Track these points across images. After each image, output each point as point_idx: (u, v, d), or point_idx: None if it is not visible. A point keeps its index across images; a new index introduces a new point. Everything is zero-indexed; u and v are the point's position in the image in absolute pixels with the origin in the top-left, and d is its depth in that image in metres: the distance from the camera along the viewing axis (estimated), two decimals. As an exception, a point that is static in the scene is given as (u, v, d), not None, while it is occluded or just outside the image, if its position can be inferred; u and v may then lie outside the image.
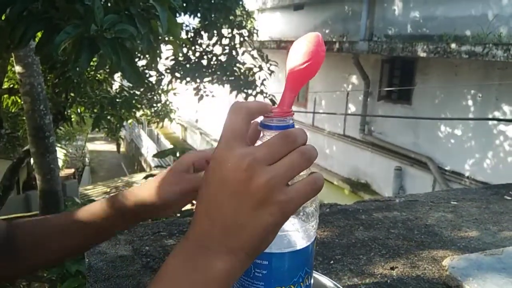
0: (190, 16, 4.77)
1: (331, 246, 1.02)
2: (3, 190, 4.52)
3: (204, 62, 5.36)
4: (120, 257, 0.91)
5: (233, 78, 5.30)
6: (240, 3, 5.46)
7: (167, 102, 6.64)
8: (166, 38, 1.79)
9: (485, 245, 1.05)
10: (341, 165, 8.82)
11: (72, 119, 5.36)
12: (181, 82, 5.38)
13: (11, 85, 5.23)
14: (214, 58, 5.39)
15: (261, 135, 0.43)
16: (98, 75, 5.05)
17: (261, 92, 5.43)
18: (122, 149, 19.80)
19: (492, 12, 5.52)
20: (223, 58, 5.39)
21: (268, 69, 5.53)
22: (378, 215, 1.23)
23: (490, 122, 5.94)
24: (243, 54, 5.62)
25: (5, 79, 5.04)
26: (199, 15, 4.80)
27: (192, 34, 5.42)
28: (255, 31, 6.21)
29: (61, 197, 4.04)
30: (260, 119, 0.42)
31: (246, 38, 5.67)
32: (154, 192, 0.59)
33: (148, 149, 15.80)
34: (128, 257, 0.92)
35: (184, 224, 1.10)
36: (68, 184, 8.75)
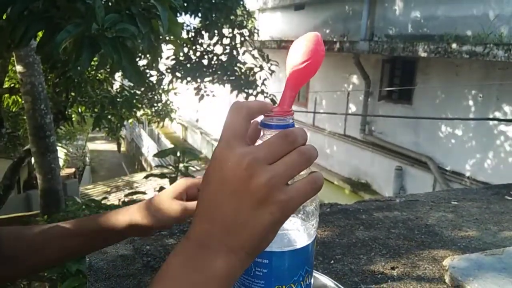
0: (191, 15, 4.77)
1: (332, 245, 1.02)
2: (3, 189, 4.52)
3: (205, 61, 5.36)
4: (121, 256, 0.91)
5: (233, 77, 5.30)
6: (241, 3, 5.45)
7: (168, 102, 6.64)
8: (167, 38, 1.79)
9: (486, 245, 1.05)
10: (342, 165, 8.81)
11: (73, 119, 5.36)
12: (181, 82, 5.38)
13: (12, 85, 5.24)
14: (215, 57, 5.39)
15: (261, 134, 0.43)
16: (99, 75, 5.05)
17: (262, 91, 5.43)
18: (123, 148, 19.81)
19: (493, 12, 5.51)
20: (223, 58, 5.39)
21: (269, 68, 5.53)
22: (379, 215, 1.23)
23: (491, 122, 5.93)
24: (243, 54, 5.62)
25: (6, 79, 5.05)
26: (200, 14, 4.80)
27: (193, 34, 5.42)
28: (255, 31, 6.21)
29: (62, 196, 4.05)
30: (260, 118, 0.42)
31: (246, 37, 5.66)
32: (146, 216, 0.64)
33: (149, 148, 15.82)
34: (128, 256, 0.92)
35: (185, 223, 1.10)
36: (68, 184, 8.76)
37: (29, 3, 1.30)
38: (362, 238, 1.07)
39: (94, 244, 0.70)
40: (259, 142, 0.43)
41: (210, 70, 5.32)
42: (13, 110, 5.77)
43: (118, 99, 4.76)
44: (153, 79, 5.57)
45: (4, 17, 1.36)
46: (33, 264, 0.66)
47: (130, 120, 6.06)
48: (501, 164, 5.89)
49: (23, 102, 3.98)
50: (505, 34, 5.27)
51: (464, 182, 6.33)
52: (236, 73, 5.32)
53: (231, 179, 0.35)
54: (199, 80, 5.30)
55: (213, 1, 4.84)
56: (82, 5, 1.28)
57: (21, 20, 1.31)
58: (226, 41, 5.40)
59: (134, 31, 1.31)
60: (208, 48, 5.43)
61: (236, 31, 5.44)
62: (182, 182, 0.67)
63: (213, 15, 4.87)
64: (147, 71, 5.28)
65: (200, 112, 15.83)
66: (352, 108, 8.50)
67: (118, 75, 5.21)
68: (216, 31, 5.09)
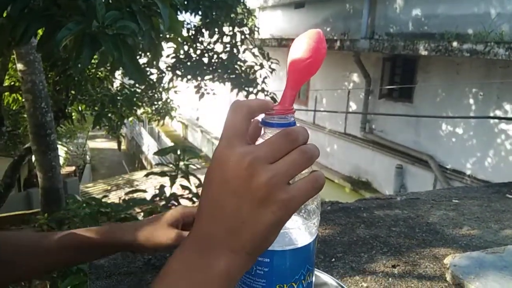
0: (191, 14, 4.76)
1: (333, 244, 1.02)
2: (4, 187, 4.53)
3: (205, 60, 5.36)
4: (122, 254, 0.91)
5: (234, 76, 5.29)
6: (241, 1, 5.44)
7: (168, 100, 6.64)
8: (168, 36, 1.79)
9: (487, 243, 1.05)
10: (342, 163, 8.81)
11: (73, 117, 5.36)
12: (182, 80, 5.37)
13: (12, 83, 5.23)
14: (215, 56, 5.39)
15: (262, 132, 0.43)
16: (99, 73, 5.05)
17: (262, 90, 5.42)
18: (123, 147, 19.81)
19: (494, 10, 5.50)
20: (224, 56, 5.38)
21: (269, 67, 5.52)
22: (380, 213, 1.23)
23: (492, 121, 5.93)
24: (244, 52, 5.62)
25: (6, 77, 5.04)
26: (200, 12, 4.79)
27: (193, 32, 5.41)
28: (256, 29, 6.20)
29: (63, 194, 4.05)
30: (261, 116, 0.42)
31: (247, 36, 5.66)
32: (140, 239, 0.67)
33: (149, 147, 15.82)
34: (129, 254, 0.92)
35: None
36: (69, 182, 8.76)
37: (30, 1, 1.30)
38: (363, 236, 1.07)
39: (89, 257, 0.74)
40: (260, 140, 0.42)
41: (211, 68, 5.31)
42: (14, 108, 5.77)
43: (118, 97, 4.76)
44: (154, 77, 5.56)
45: (5, 15, 1.35)
46: (30, 270, 0.67)
47: (131, 118, 6.05)
48: (501, 162, 5.89)
49: (23, 100, 3.98)
50: (506, 32, 5.27)
51: (464, 180, 6.33)
52: (237, 71, 5.32)
53: (232, 178, 0.35)
54: (199, 78, 5.29)
55: (214, -1, 4.84)
56: (83, 2, 1.28)
57: (22, 18, 1.31)
58: (226, 39, 5.39)
59: (135, 29, 1.31)
60: (208, 46, 5.43)
61: (236, 29, 5.44)
62: (178, 210, 0.70)
63: (214, 13, 4.86)
64: (148, 69, 5.28)
65: (200, 110, 15.83)
66: (353, 106, 8.50)
67: (118, 73, 5.20)
68: (216, 29, 5.08)
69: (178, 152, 2.15)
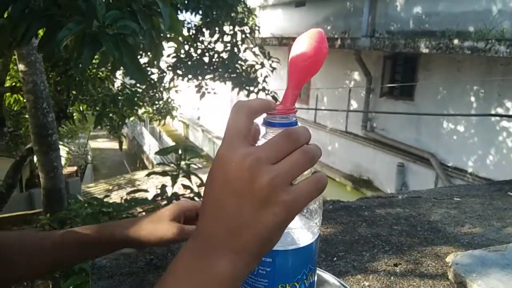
0: (191, 13, 4.77)
1: (334, 243, 1.02)
2: (6, 188, 4.53)
3: (206, 59, 5.36)
4: (124, 254, 0.91)
5: (234, 75, 5.29)
6: (242, 0, 5.44)
7: (169, 100, 6.64)
8: (168, 35, 1.79)
9: (489, 241, 1.05)
10: (344, 162, 8.81)
11: (74, 117, 5.37)
12: (183, 80, 5.37)
13: (14, 83, 5.24)
14: (216, 55, 5.39)
15: (264, 132, 0.43)
16: (100, 73, 5.05)
17: (263, 89, 5.42)
18: (124, 146, 19.83)
19: (495, 7, 5.49)
20: (224, 55, 5.38)
21: (270, 66, 5.52)
22: (381, 211, 1.23)
23: (493, 118, 5.92)
24: (244, 51, 5.61)
25: (8, 77, 5.05)
26: (200, 12, 4.79)
27: (194, 31, 5.41)
28: (256, 28, 6.20)
29: (64, 194, 4.05)
30: (263, 116, 0.42)
31: (247, 35, 5.66)
32: (141, 233, 0.67)
33: (150, 146, 15.82)
34: (131, 254, 0.92)
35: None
36: (71, 182, 8.77)
37: (30, 1, 1.30)
38: (364, 235, 1.07)
39: (91, 255, 0.74)
40: (262, 140, 0.42)
41: (211, 68, 5.31)
42: (15, 109, 5.77)
43: (119, 97, 4.76)
44: (155, 76, 5.57)
45: (5, 15, 1.35)
46: (32, 270, 0.67)
47: (132, 118, 6.05)
48: (503, 160, 5.88)
49: (24, 101, 3.98)
50: (507, 29, 5.25)
51: (466, 178, 6.32)
52: (237, 71, 5.32)
53: (234, 180, 0.35)
54: (200, 78, 5.30)
55: (214, -2, 4.84)
56: (83, 2, 1.28)
57: (22, 19, 1.31)
58: (227, 38, 5.39)
59: (135, 28, 1.31)
60: (209, 46, 5.43)
61: (237, 28, 5.44)
62: (179, 204, 0.69)
63: (214, 13, 4.86)
64: (148, 68, 5.28)
65: (201, 109, 15.83)
66: (354, 104, 8.49)
67: (119, 73, 5.20)
68: (217, 29, 5.08)
69: (180, 152, 2.15)
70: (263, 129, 0.43)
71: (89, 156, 15.76)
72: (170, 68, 5.33)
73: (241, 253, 0.35)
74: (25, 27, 1.31)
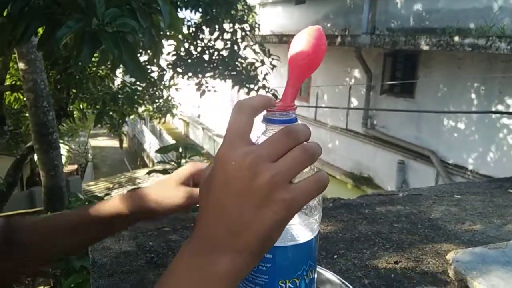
0: (191, 10, 4.76)
1: (335, 240, 1.01)
2: (7, 186, 4.54)
3: (206, 57, 5.35)
4: (124, 252, 0.92)
5: (235, 73, 5.28)
6: (241, -3, 5.44)
7: (169, 98, 6.64)
8: (168, 33, 1.78)
9: (489, 239, 1.05)
10: (344, 159, 8.81)
11: (75, 115, 5.37)
12: (183, 78, 5.37)
13: (14, 82, 5.24)
14: (216, 53, 5.38)
15: (264, 129, 0.43)
16: (100, 71, 5.05)
17: (263, 86, 5.41)
18: (125, 144, 19.84)
19: (496, 4, 5.48)
20: (224, 53, 5.37)
21: (270, 63, 5.51)
22: (382, 209, 1.23)
23: (493, 115, 5.91)
24: (244, 48, 5.61)
25: (8, 76, 5.05)
26: (200, 9, 4.78)
27: (194, 29, 5.40)
28: (256, 25, 6.19)
29: (65, 193, 4.06)
30: (263, 113, 0.42)
31: (247, 32, 5.65)
32: (150, 202, 0.63)
33: (151, 144, 15.83)
34: (132, 252, 0.92)
35: (188, 219, 1.10)
36: (71, 180, 8.78)
37: (30, -1, 1.30)
38: (365, 232, 1.07)
39: (103, 231, 0.69)
40: (262, 137, 0.42)
41: (211, 66, 5.30)
42: (15, 107, 5.77)
43: (119, 95, 4.76)
44: (154, 75, 5.56)
45: (5, 14, 1.35)
46: (44, 252, 0.66)
47: (132, 116, 6.06)
48: (504, 157, 5.88)
49: (25, 99, 3.98)
50: (508, 26, 5.24)
51: (466, 175, 6.32)
52: (237, 68, 5.31)
53: (235, 179, 0.35)
54: (200, 76, 5.29)
55: (214, -4, 4.82)
56: (83, 0, 1.28)
57: (22, 17, 1.30)
58: (227, 36, 5.38)
59: (135, 26, 1.31)
60: (209, 43, 5.42)
61: (237, 26, 5.43)
62: (188, 167, 0.65)
63: (214, 10, 4.85)
64: (148, 66, 5.28)
65: (201, 107, 15.83)
66: (354, 102, 8.48)
67: (119, 71, 5.20)
68: (217, 26, 5.07)
69: (180, 150, 2.15)
70: (263, 126, 0.43)
71: (89, 155, 15.77)
72: (170, 66, 5.33)
73: (242, 252, 0.35)
74: (25, 25, 1.31)
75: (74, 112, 5.30)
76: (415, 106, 7.08)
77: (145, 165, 15.42)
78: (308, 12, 9.34)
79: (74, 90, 4.63)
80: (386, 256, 0.95)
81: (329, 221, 1.12)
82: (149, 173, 2.35)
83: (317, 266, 0.51)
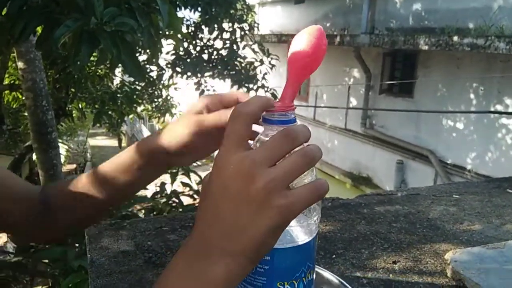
0: (190, 10, 4.75)
1: (333, 240, 1.01)
2: (5, 185, 4.52)
3: (205, 56, 5.35)
4: (122, 252, 0.91)
5: (234, 72, 5.28)
6: (241, -3, 5.43)
7: (168, 97, 6.63)
8: (167, 33, 1.78)
9: (488, 239, 1.05)
10: (343, 159, 8.81)
11: (74, 115, 5.36)
12: (182, 77, 5.36)
13: (12, 81, 5.23)
14: (215, 52, 5.38)
15: (263, 129, 0.43)
16: (99, 71, 5.04)
17: (262, 86, 5.41)
18: (124, 144, 19.78)
19: (495, 4, 5.48)
20: (224, 53, 5.37)
21: (269, 63, 5.51)
22: (380, 209, 1.23)
23: (492, 115, 5.92)
24: (244, 48, 5.60)
25: (6, 75, 5.04)
26: (199, 9, 4.78)
27: (193, 29, 5.39)
28: (256, 25, 6.19)
29: (64, 192, 4.05)
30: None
31: (247, 32, 5.64)
32: (168, 136, 0.58)
33: (150, 144, 15.79)
34: (130, 252, 0.92)
35: (186, 219, 1.10)
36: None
37: (28, -2, 1.30)
38: (363, 232, 1.06)
39: (137, 182, 0.65)
40: (261, 138, 0.42)
41: (210, 65, 5.30)
42: (14, 106, 5.76)
43: (118, 95, 4.76)
44: (153, 74, 5.56)
45: (3, 13, 1.35)
46: (86, 211, 0.65)
47: (131, 116, 6.05)
48: (502, 157, 5.89)
49: (23, 98, 3.98)
50: (507, 26, 5.25)
51: (465, 175, 6.33)
52: (237, 68, 5.31)
53: (231, 184, 0.35)
54: (199, 75, 5.29)
55: (213, -5, 4.82)
56: (81, -1, 1.28)
57: (20, 16, 1.30)
58: (226, 35, 5.38)
59: (134, 25, 1.30)
60: (208, 43, 5.42)
61: (236, 25, 5.42)
62: (201, 99, 0.59)
63: (213, 10, 4.85)
64: (147, 66, 5.27)
65: (200, 107, 15.79)
66: (353, 102, 8.49)
67: (118, 71, 5.20)
68: (216, 26, 5.07)
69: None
70: (261, 127, 0.43)
71: (88, 154, 15.76)
72: (169, 66, 5.32)
73: (238, 257, 0.35)
74: (23, 24, 1.31)
75: (73, 112, 5.30)
76: (414, 106, 7.08)
77: (144, 165, 15.38)
78: (307, 11, 9.34)
79: (73, 90, 4.63)
80: (385, 256, 0.95)
81: (327, 221, 1.12)
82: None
83: (316, 266, 0.51)
